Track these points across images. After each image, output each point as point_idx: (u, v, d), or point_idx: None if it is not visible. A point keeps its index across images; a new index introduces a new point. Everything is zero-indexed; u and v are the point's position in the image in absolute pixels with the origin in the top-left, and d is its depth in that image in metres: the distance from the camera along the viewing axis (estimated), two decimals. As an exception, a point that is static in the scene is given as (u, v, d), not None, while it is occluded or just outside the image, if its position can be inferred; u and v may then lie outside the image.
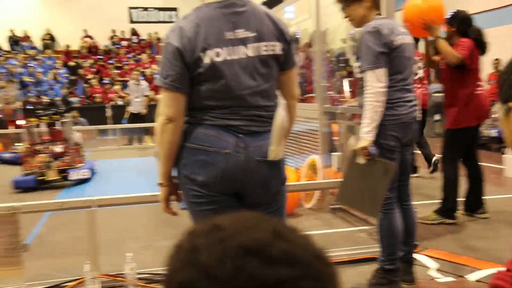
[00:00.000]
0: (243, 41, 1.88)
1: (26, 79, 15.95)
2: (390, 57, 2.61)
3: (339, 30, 5.48)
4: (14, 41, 18.58)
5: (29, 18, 18.49)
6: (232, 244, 0.49)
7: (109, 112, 14.33)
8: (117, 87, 16.24)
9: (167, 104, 1.87)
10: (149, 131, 13.38)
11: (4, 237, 3.02)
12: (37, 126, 7.26)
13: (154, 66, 17.69)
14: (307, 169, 4.94)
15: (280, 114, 1.96)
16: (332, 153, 4.69)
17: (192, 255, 0.50)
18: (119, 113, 13.86)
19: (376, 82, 2.58)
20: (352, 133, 4.35)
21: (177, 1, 19.82)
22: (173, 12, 19.97)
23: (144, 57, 18.25)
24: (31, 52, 17.80)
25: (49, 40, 18.82)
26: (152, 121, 13.56)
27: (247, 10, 1.92)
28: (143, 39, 19.31)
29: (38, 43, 18.73)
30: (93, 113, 14.43)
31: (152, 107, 13.89)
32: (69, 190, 6.62)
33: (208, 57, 1.85)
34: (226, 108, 1.89)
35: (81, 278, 3.08)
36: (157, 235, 4.27)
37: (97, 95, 15.97)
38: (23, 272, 3.06)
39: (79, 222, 4.52)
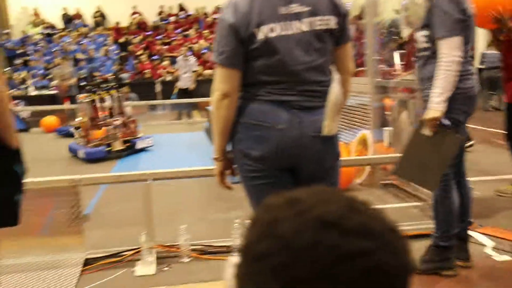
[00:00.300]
0: (298, 16, 1.87)
1: (79, 56, 16.40)
2: (463, 25, 2.50)
3: (391, 0, 5.32)
4: (67, 19, 19.09)
5: (81, -4, 18.93)
6: (310, 216, 0.51)
7: (158, 88, 14.59)
8: (165, 62, 16.46)
9: (222, 80, 1.88)
10: (197, 106, 13.56)
11: (66, 208, 3.17)
12: (97, 100, 7.52)
13: (201, 41, 17.78)
14: (357, 144, 4.88)
15: (335, 89, 1.94)
16: (384, 128, 4.61)
17: (271, 227, 0.51)
18: (168, 88, 14.08)
19: (452, 50, 2.46)
20: (405, 108, 4.26)
21: (223, -25, 19.74)
22: (220, -13, 19.92)
23: (191, 32, 18.35)
24: (83, 29, 18.24)
25: (100, 18, 19.21)
26: (200, 96, 13.75)
27: None
28: (190, 15, 19.38)
29: (90, 21, 19.17)
30: (143, 88, 14.71)
31: (200, 82, 14.04)
32: (124, 162, 6.83)
33: (262, 33, 1.85)
34: (280, 83, 1.89)
35: (138, 248, 3.20)
36: (209, 208, 4.36)
37: (146, 71, 16.23)
38: (84, 241, 3.22)
39: (133, 194, 4.67)
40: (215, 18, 19.16)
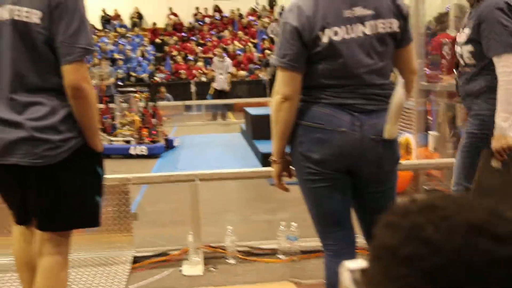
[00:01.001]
0: (361, 19, 1.87)
1: (117, 56, 16.70)
2: None
3: (435, 3, 5.24)
4: (106, 20, 19.47)
5: (119, -2, 19.29)
6: (457, 221, 0.52)
7: (193, 88, 14.71)
8: (200, 63, 16.61)
9: (284, 83, 1.89)
10: (232, 107, 13.65)
11: (116, 206, 3.24)
12: (137, 100, 7.74)
13: (236, 42, 17.87)
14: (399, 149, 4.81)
15: (399, 92, 1.92)
16: (428, 132, 4.54)
17: (415, 231, 0.53)
18: (202, 89, 14.22)
19: None
20: (451, 112, 4.18)
21: (259, -23, 19.82)
22: (255, -12, 19.98)
23: (226, 33, 18.45)
24: (121, 30, 18.56)
25: (137, 19, 19.53)
26: (235, 97, 13.83)
27: None
28: (226, 16, 19.51)
29: (127, 22, 19.51)
30: (178, 89, 14.89)
31: (234, 83, 14.13)
32: (162, 162, 6.93)
33: (327, 36, 1.85)
34: (342, 87, 1.89)
35: (185, 248, 3.24)
36: (252, 209, 4.39)
37: (182, 71, 16.41)
38: (133, 239, 3.27)
39: (175, 193, 4.75)
40: (250, 20, 19.23)
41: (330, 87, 1.89)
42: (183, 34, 18.71)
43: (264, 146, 6.47)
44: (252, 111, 7.96)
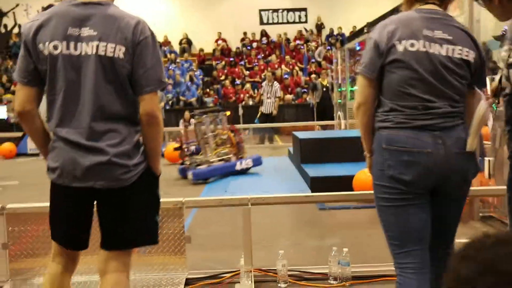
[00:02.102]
0: (440, 41, 2.05)
1: (166, 80, 17.20)
2: None
3: (489, 26, 5.17)
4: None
5: (169, 24, 19.93)
6: None
7: (240, 112, 14.91)
8: (247, 87, 16.85)
9: (359, 90, 2.14)
10: (279, 131, 13.74)
11: (171, 228, 3.34)
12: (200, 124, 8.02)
13: (283, 66, 18.05)
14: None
15: (482, 106, 2.06)
16: (484, 158, 4.44)
17: (492, 265, 0.56)
18: (250, 112, 14.40)
19: None
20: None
21: (305, 2, 20.02)
22: (302, 13, 20.20)
23: (273, 58, 18.69)
24: (171, 56, 19.15)
25: (186, 44, 20.11)
26: (282, 121, 13.90)
27: (444, 18, 2.10)
28: (273, 41, 19.78)
29: (176, 47, 20.11)
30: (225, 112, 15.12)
31: (281, 107, 14.23)
32: (211, 184, 7.04)
33: (403, 45, 2.04)
34: (418, 109, 2.04)
35: (236, 271, 3.29)
36: (302, 233, 4.40)
37: (230, 95, 16.70)
38: (186, 261, 3.36)
39: (225, 216, 4.83)
40: (297, 44, 19.41)
41: (407, 109, 2.04)
42: (231, 58, 19.09)
43: (313, 170, 6.49)
44: (301, 135, 8.00)
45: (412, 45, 2.03)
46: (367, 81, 2.11)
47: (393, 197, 2.08)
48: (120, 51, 1.95)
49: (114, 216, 2.05)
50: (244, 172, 7.67)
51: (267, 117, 12.23)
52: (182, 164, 7.83)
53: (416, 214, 2.07)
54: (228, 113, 8.51)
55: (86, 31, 1.95)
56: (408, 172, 2.03)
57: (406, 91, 2.05)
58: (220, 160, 7.77)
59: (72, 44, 1.95)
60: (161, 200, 2.57)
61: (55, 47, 1.95)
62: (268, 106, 12.23)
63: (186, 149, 7.95)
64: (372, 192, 3.36)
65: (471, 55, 2.07)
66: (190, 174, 7.36)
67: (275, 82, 12.64)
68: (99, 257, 2.11)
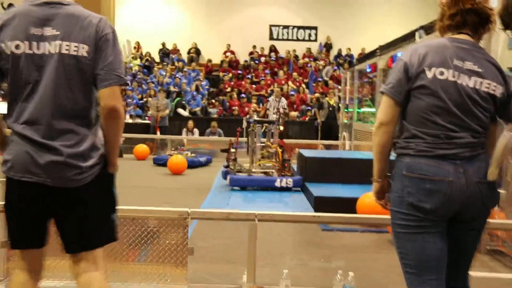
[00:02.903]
0: (469, 73, 2.06)
1: (172, 89, 17.20)
2: None
3: (506, 56, 5.16)
4: (164, 53, 20.20)
5: (179, 32, 20.03)
6: None
7: (244, 124, 14.88)
8: (253, 101, 16.84)
9: (382, 109, 2.14)
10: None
11: (174, 239, 3.27)
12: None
13: (290, 83, 18.06)
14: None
15: (506, 137, 2.08)
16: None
17: None
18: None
19: None
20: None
21: (316, 20, 20.12)
22: (313, 31, 20.29)
23: (280, 73, 18.72)
24: (179, 64, 19.18)
25: (194, 54, 20.16)
26: (285, 137, 13.87)
27: (475, 50, 2.12)
28: (282, 57, 19.83)
29: (185, 56, 20.16)
30: (229, 124, 15.08)
31: (288, 123, 14.19)
32: (212, 197, 6.98)
33: (431, 73, 2.05)
34: (440, 138, 2.05)
35: (238, 286, 3.22)
36: (305, 253, 4.33)
37: (234, 107, 16.67)
38: (187, 274, 3.29)
39: (228, 230, 4.77)
40: (305, 62, 19.47)
41: (429, 136, 2.05)
42: (238, 71, 19.12)
43: (317, 189, 6.44)
44: (306, 153, 7.97)
45: (441, 73, 2.04)
46: (393, 102, 2.11)
47: (411, 224, 2.08)
48: (83, 50, 2.02)
49: (70, 218, 2.09)
50: (283, 190, 7.38)
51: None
52: (226, 167, 7.81)
53: (434, 242, 2.07)
54: (281, 127, 8.49)
55: (49, 31, 2.01)
56: (429, 200, 2.03)
57: (430, 118, 2.05)
58: (262, 172, 7.74)
59: (34, 44, 2.00)
60: (165, 209, 2.52)
61: (17, 47, 2.00)
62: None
63: (234, 153, 7.96)
64: (379, 217, 3.33)
65: (498, 90, 2.09)
66: (228, 179, 7.38)
67: (282, 98, 12.63)
68: (69, 260, 2.15)
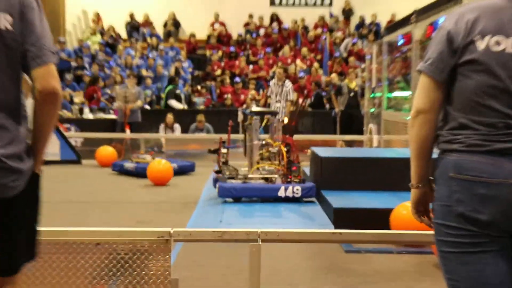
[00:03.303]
0: None
1: (145, 73, 17.23)
2: None
3: None
4: (133, 27, 20.22)
5: (152, 0, 20.03)
6: None
7: (240, 117, 14.88)
8: (250, 86, 16.86)
9: (420, 94, 2.16)
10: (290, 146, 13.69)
11: (152, 269, 3.26)
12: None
13: (298, 61, 18.09)
14: None
15: None
16: None
17: None
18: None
19: None
20: None
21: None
22: (325, -6, 20.33)
23: (285, 50, 18.75)
24: (152, 40, 19.20)
25: (173, 27, 20.22)
26: (295, 132, 13.89)
27: None
28: (286, 28, 19.86)
29: (160, 30, 20.19)
30: (221, 118, 15.08)
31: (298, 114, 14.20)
32: (200, 212, 6.99)
33: (484, 43, 2.04)
34: (497, 127, 2.02)
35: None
36: (326, 283, 4.34)
37: (227, 95, 16.68)
38: (171, 313, 3.28)
39: (221, 253, 4.76)
40: (318, 34, 19.47)
41: (483, 126, 2.03)
42: (230, 48, 19.14)
43: (337, 199, 6.44)
44: (322, 152, 7.97)
45: (497, 43, 2.03)
46: (433, 83, 2.12)
47: (463, 241, 2.07)
48: (6, 21, 2.07)
49: (5, 232, 2.15)
50: (290, 200, 7.33)
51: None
52: (217, 172, 7.79)
53: (494, 264, 2.05)
54: (286, 119, 8.45)
55: None
56: (485, 209, 2.02)
57: (483, 102, 2.05)
58: (261, 179, 7.69)
59: None
60: (140, 230, 2.52)
61: None
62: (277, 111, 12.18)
63: (225, 155, 7.93)
64: (421, 233, 3.32)
65: None
66: (217, 188, 7.36)
67: (287, 81, 12.63)
68: None
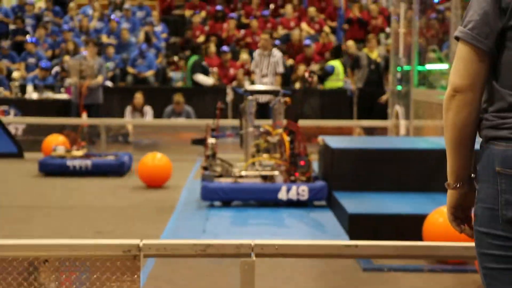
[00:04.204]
0: None
1: (106, 39, 17.21)
2: None
3: None
4: (90, -20, 20.18)
5: None
6: None
7: (229, 97, 14.89)
8: (245, 57, 16.84)
9: (458, 67, 2.16)
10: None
11: (116, 291, 3.30)
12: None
13: (303, 25, 18.07)
14: None
15: None
16: None
17: None
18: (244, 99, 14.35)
19: None
20: None
21: None
22: None
23: (288, 10, 18.72)
24: (115, -3, 19.20)
25: (142, -20, 20.19)
26: (297, 116, 13.93)
27: None
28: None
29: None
30: (205, 98, 15.08)
31: (298, 94, 14.21)
32: (178, 220, 7.02)
33: None
34: None
35: None
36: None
37: (212, 69, 16.66)
38: None
39: (204, 271, 4.79)
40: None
41: None
42: (216, 7, 19.10)
43: (353, 203, 6.48)
44: (333, 142, 7.99)
45: None
46: (475, 53, 2.13)
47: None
48: None
49: None
50: (294, 205, 7.39)
51: (264, 109, 12.12)
52: (206, 169, 7.85)
53: None
54: (288, 99, 8.43)
55: None
56: None
57: None
58: (257, 177, 7.75)
59: None
60: (102, 242, 2.53)
61: None
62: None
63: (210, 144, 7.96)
64: (460, 245, 3.36)
65: None
66: (200, 189, 7.44)
67: (275, 50, 12.61)
68: None
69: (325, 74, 14.12)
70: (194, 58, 16.01)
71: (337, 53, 15.98)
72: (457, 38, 2.17)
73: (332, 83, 15.00)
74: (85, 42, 15.06)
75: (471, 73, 2.13)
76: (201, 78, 15.67)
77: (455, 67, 2.17)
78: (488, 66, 2.13)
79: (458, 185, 2.23)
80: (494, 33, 2.11)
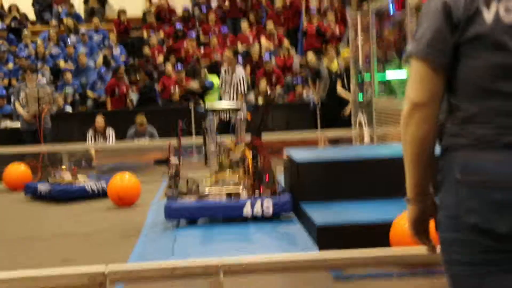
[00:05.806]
0: None
1: (63, 64, 17.11)
2: None
3: None
4: (43, 4, 20.07)
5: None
6: None
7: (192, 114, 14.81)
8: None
9: (414, 83, 2.18)
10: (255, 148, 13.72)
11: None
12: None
13: (263, 40, 18.11)
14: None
15: None
16: None
17: None
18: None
19: None
20: None
21: None
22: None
23: (244, 26, 18.73)
24: (69, 21, 19.08)
25: (96, 3, 20.14)
26: (260, 130, 13.94)
27: None
28: (244, -4, 19.93)
29: (79, 7, 20.12)
30: (167, 118, 15.00)
31: (259, 108, 14.23)
32: (145, 241, 6.99)
33: (492, 12, 2.07)
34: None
35: None
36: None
37: (172, 89, 16.63)
38: None
39: None
40: (288, 5, 19.49)
41: (497, 116, 2.07)
42: (177, 26, 19.05)
43: (320, 214, 6.50)
44: (298, 154, 8.02)
45: (507, 10, 2.06)
46: (431, 69, 2.15)
47: (477, 259, 2.12)
48: None
49: None
50: (261, 220, 7.38)
51: (227, 126, 12.13)
52: (170, 188, 7.80)
53: None
54: (248, 116, 8.49)
55: None
56: (503, 219, 2.07)
57: (495, 87, 2.09)
58: (221, 194, 7.68)
59: None
60: (67, 270, 2.51)
61: None
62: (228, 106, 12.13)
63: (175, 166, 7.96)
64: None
65: None
66: (164, 209, 7.38)
67: (238, 67, 12.58)
68: None
69: (205, 90, 14.03)
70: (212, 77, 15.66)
71: (213, 68, 15.88)
72: (410, 56, 2.20)
73: (212, 98, 14.65)
74: (24, 68, 14.84)
75: (429, 88, 2.15)
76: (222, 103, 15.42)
77: (411, 83, 2.20)
78: (443, 80, 2.16)
79: (419, 198, 2.25)
80: (447, 49, 2.13)
